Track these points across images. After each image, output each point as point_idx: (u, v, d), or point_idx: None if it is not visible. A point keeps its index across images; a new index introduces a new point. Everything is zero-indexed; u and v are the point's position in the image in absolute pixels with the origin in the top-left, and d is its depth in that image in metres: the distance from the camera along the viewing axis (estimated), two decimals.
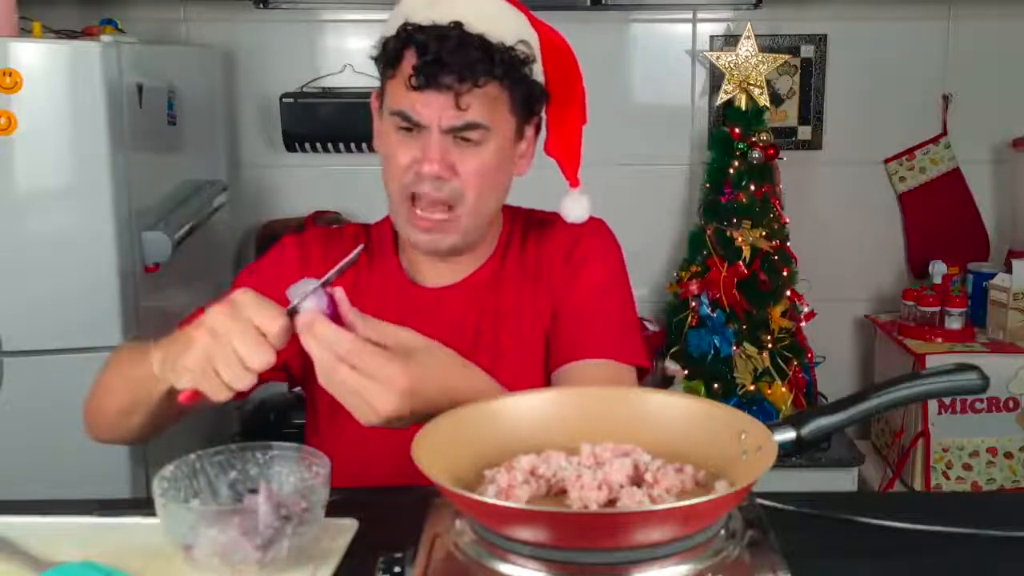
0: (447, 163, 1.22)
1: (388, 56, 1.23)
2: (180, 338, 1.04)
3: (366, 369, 0.95)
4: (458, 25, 1.19)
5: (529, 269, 1.37)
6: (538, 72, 1.27)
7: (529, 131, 1.31)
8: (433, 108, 1.20)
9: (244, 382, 0.97)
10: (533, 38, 1.27)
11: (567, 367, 1.30)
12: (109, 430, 1.28)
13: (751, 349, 2.62)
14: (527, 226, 1.41)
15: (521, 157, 1.32)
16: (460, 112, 1.20)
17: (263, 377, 1.03)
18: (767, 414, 2.56)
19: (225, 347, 0.96)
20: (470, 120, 1.21)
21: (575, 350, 1.30)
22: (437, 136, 1.21)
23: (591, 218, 1.39)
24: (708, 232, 2.68)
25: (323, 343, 0.95)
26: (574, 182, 1.34)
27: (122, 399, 1.19)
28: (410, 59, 1.21)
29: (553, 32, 1.30)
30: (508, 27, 1.23)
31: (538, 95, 1.28)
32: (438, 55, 1.17)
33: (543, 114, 1.33)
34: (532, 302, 1.35)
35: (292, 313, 0.97)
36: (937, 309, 2.71)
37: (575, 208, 1.34)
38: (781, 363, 2.63)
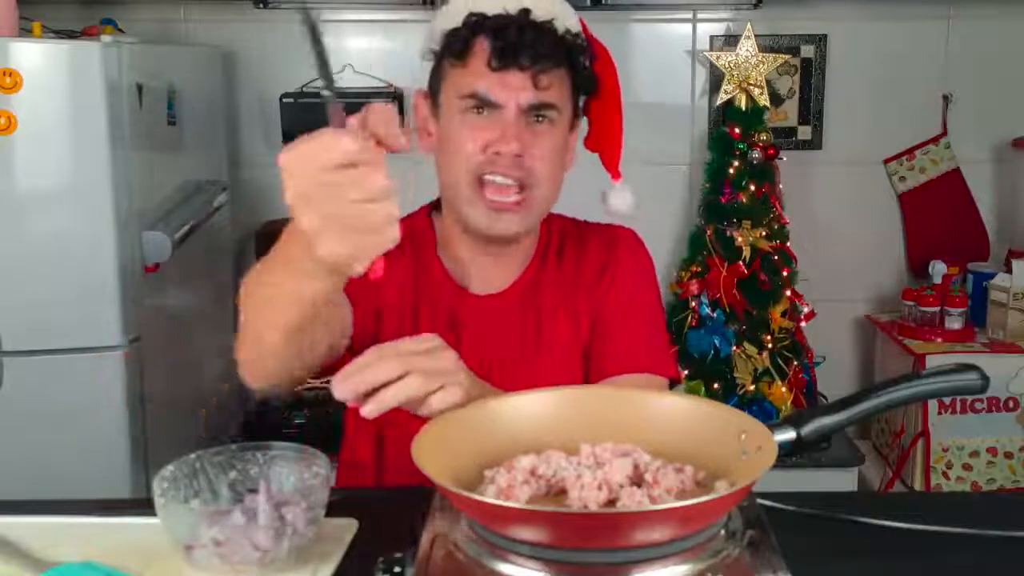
0: (523, 142, 1.24)
1: (458, 44, 1.25)
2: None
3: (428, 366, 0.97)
4: (527, 12, 1.24)
5: (567, 276, 1.37)
6: (589, 57, 1.32)
7: (577, 122, 1.35)
8: (512, 88, 1.23)
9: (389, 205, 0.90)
10: (579, 28, 1.31)
11: (607, 381, 1.31)
12: (277, 369, 1.17)
13: (751, 349, 2.62)
14: (563, 233, 1.41)
15: (569, 150, 1.34)
16: (538, 91, 1.23)
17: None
18: (767, 414, 2.56)
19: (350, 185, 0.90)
20: (546, 99, 1.24)
21: (614, 363, 1.32)
22: (515, 115, 1.23)
23: (624, 229, 1.42)
24: (708, 232, 2.68)
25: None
26: (616, 174, 1.38)
27: (288, 318, 1.06)
28: (483, 45, 1.24)
29: (591, 34, 1.35)
30: (568, 18, 1.29)
31: (589, 85, 1.32)
32: (517, 38, 1.22)
33: (582, 106, 1.36)
34: (570, 310, 1.35)
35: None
36: (937, 309, 2.71)
37: (619, 200, 1.38)
38: (781, 363, 2.63)
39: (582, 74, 1.30)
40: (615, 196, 1.38)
